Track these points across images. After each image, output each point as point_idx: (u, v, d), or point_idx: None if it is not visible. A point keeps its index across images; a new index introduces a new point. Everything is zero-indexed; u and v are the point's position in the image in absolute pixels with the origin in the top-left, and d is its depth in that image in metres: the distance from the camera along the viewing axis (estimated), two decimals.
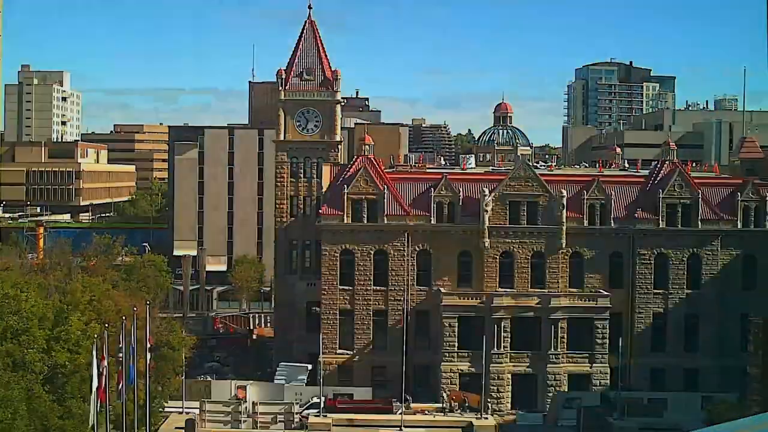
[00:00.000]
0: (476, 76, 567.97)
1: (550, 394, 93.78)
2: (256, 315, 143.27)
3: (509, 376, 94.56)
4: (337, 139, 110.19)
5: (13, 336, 67.55)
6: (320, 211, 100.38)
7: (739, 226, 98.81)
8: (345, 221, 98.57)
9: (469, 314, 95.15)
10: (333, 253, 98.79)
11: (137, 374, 65.87)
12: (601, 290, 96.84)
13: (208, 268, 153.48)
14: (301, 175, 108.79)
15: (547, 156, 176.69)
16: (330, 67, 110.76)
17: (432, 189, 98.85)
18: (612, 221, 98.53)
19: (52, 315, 71.05)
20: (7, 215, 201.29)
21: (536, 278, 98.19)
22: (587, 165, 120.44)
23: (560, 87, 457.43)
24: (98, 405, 61.74)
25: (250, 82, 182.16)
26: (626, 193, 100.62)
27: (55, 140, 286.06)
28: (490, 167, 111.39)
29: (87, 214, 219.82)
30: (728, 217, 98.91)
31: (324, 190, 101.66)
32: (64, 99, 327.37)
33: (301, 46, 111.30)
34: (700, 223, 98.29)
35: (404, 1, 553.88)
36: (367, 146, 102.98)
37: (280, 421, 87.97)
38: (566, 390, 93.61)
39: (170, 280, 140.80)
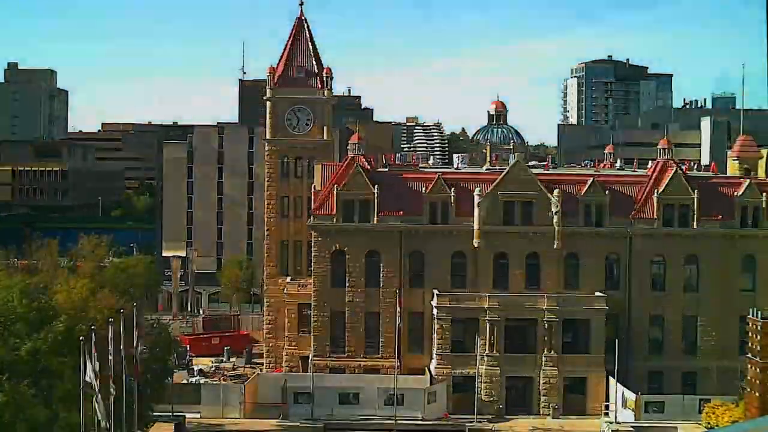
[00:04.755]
0: (470, 74, 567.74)
1: (545, 398, 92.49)
2: (247, 316, 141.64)
3: (503, 378, 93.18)
4: (329, 137, 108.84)
5: (0, 338, 66.08)
6: (311, 211, 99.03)
7: (737, 227, 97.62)
8: (336, 221, 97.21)
9: (463, 316, 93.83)
10: (324, 254, 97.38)
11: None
12: (597, 292, 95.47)
13: (197, 269, 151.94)
14: (292, 175, 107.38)
15: (542, 155, 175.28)
16: (321, 65, 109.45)
17: (425, 189, 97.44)
18: (608, 222, 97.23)
19: (39, 316, 69.53)
20: None
21: (531, 280, 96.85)
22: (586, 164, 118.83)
23: (556, 85, 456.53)
24: (85, 407, 60.42)
25: (240, 79, 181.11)
26: (623, 193, 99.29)
27: (42, 139, 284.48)
28: (484, 167, 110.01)
29: (74, 214, 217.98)
30: (726, 218, 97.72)
31: (315, 189, 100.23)
32: (51, 98, 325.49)
33: (292, 43, 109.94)
34: (697, 223, 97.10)
35: None
36: (359, 145, 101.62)
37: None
38: (563, 393, 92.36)
39: (159, 281, 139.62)
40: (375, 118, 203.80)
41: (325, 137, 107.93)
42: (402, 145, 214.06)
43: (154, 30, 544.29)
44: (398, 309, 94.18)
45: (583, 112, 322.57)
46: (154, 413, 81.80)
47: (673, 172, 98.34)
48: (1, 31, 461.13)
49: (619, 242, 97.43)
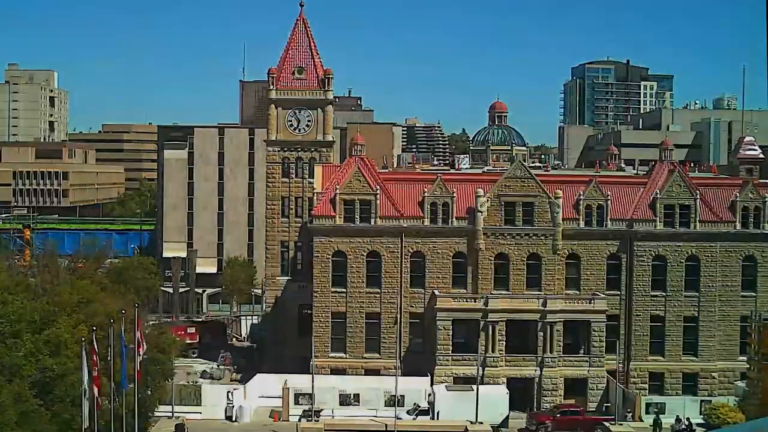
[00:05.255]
0: (471, 75, 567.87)
1: (547, 398, 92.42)
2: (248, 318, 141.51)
3: (505, 379, 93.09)
4: (330, 138, 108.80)
5: (1, 339, 66.01)
6: (312, 212, 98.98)
7: (738, 228, 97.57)
8: (337, 222, 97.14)
9: (464, 317, 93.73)
10: (325, 254, 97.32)
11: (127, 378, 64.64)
12: (598, 292, 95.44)
13: (198, 269, 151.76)
14: (293, 175, 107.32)
15: (543, 156, 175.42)
16: (322, 66, 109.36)
17: (426, 190, 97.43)
18: (609, 222, 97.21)
19: (40, 318, 69.50)
20: None
21: (532, 280, 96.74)
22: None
23: (557, 85, 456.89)
24: (89, 409, 60.40)
25: (240, 80, 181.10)
26: (624, 194, 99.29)
27: (42, 140, 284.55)
28: (485, 167, 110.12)
29: (75, 215, 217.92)
30: (727, 218, 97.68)
31: (316, 190, 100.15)
32: (51, 99, 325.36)
33: (292, 44, 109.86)
34: (698, 224, 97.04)
35: None
36: (359, 146, 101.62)
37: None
38: (563, 393, 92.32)
39: (159, 282, 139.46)
40: (375, 119, 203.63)
41: (325, 138, 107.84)
42: (402, 146, 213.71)
43: (155, 30, 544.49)
44: (399, 310, 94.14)
45: (584, 112, 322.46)
46: (155, 414, 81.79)
47: (674, 173, 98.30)
48: (1, 31, 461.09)
49: (620, 243, 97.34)
